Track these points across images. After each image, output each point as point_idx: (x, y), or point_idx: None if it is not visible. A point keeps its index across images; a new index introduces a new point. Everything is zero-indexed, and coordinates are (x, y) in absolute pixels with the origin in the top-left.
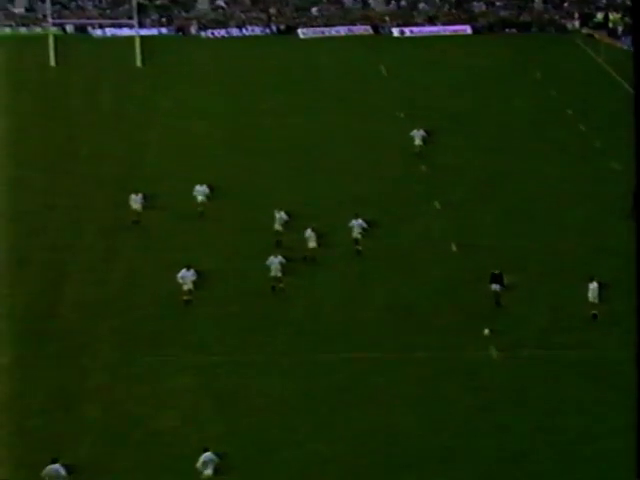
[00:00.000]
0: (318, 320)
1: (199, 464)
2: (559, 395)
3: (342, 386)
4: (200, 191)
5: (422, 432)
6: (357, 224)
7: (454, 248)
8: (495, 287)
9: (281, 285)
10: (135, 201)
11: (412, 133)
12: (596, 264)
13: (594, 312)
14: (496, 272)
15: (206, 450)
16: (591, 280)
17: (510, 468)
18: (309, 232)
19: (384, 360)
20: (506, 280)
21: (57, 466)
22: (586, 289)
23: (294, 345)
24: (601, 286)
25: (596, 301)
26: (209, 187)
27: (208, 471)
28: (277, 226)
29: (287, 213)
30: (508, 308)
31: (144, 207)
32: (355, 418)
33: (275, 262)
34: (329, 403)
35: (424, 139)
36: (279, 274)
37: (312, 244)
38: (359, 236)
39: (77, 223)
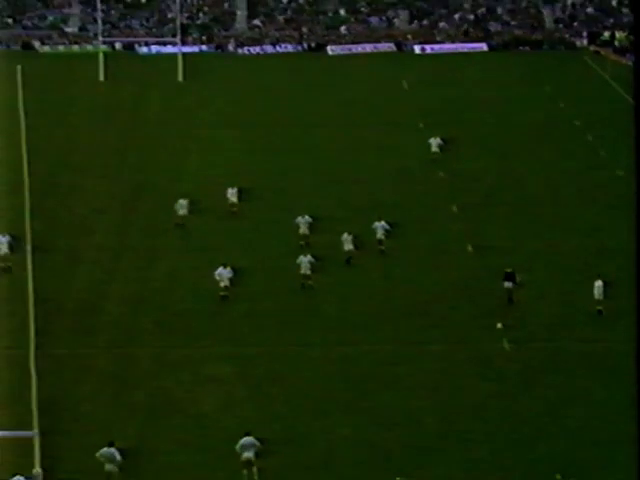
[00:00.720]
0: (344, 314)
1: (238, 447)
2: (566, 384)
3: (367, 375)
4: (232, 193)
5: (440, 417)
6: (380, 226)
7: (470, 248)
8: (508, 284)
9: (310, 282)
10: (182, 206)
11: (429, 141)
12: (601, 263)
13: (599, 308)
14: (509, 271)
15: (247, 434)
16: (597, 278)
17: (522, 451)
18: (345, 235)
19: (405, 351)
20: (518, 278)
21: (113, 450)
22: (592, 287)
23: (322, 337)
24: (606, 284)
25: (601, 298)
26: (239, 190)
27: (248, 454)
28: (303, 230)
29: (311, 216)
30: (520, 304)
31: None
32: (379, 404)
33: (305, 261)
34: (355, 390)
35: (440, 146)
36: (308, 272)
37: (349, 246)
38: (383, 237)
39: (124, 225)
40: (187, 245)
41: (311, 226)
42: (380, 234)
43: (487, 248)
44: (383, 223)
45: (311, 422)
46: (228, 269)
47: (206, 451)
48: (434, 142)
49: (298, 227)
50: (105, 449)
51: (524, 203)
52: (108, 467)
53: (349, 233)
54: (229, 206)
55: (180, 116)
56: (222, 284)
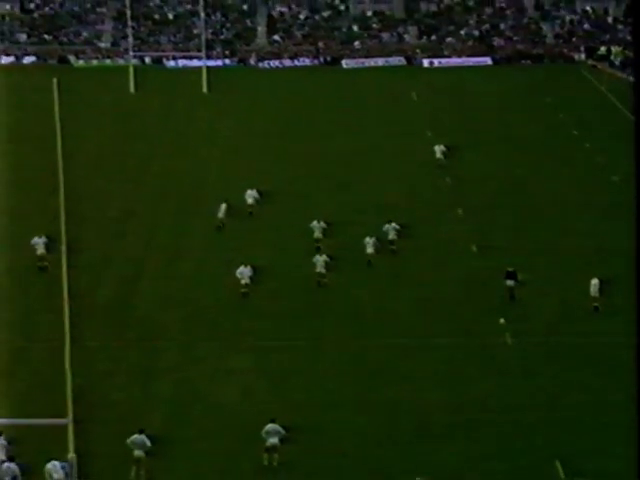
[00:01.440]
0: (357, 311)
1: (264, 433)
2: (565, 375)
3: (378, 367)
4: (250, 194)
5: (447, 407)
6: (391, 228)
7: (474, 249)
8: (509, 282)
9: (325, 280)
10: (221, 211)
11: (434, 148)
12: (597, 263)
13: (595, 305)
14: (510, 269)
15: (273, 421)
16: (593, 277)
17: (524, 439)
18: (368, 239)
19: (414, 345)
20: (519, 276)
21: (143, 436)
22: (588, 284)
23: (336, 332)
24: (601, 282)
25: (597, 295)
26: (258, 192)
27: (273, 440)
28: (317, 234)
29: (325, 221)
30: (521, 301)
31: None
32: (389, 395)
33: (320, 260)
34: (367, 382)
35: (444, 153)
36: (323, 270)
37: (370, 250)
38: (395, 237)
39: (152, 227)
40: (210, 245)
41: (325, 230)
42: (392, 235)
43: (490, 248)
44: (394, 224)
45: (325, 412)
46: (248, 268)
47: (228, 438)
48: (438, 149)
49: (313, 231)
50: (135, 436)
51: (525, 206)
52: (137, 453)
53: (371, 237)
54: (247, 207)
55: (204, 125)
56: (243, 282)
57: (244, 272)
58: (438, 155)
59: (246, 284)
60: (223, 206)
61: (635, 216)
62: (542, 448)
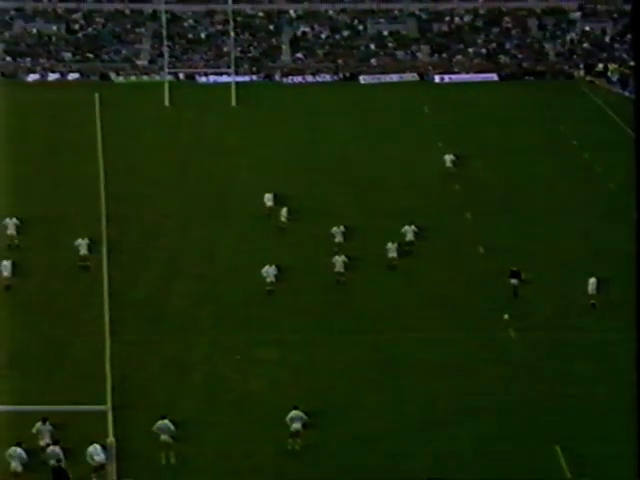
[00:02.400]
0: (373, 306)
1: (288, 419)
2: (564, 367)
3: (392, 359)
4: (268, 198)
5: (454, 395)
6: (410, 229)
7: (481, 250)
8: (514, 281)
9: (343, 279)
10: (283, 215)
11: (444, 157)
12: (594, 263)
13: (593, 302)
14: (514, 269)
15: (295, 408)
16: (590, 276)
17: (526, 425)
18: (390, 244)
19: (425, 338)
20: (523, 276)
21: (166, 422)
22: (586, 283)
23: (354, 326)
24: (598, 281)
25: (594, 293)
26: (274, 195)
27: (296, 425)
28: (338, 239)
29: (344, 226)
30: (524, 298)
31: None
32: (402, 383)
33: (339, 260)
34: (381, 372)
35: (453, 162)
36: (342, 270)
37: (392, 254)
38: (412, 239)
39: (185, 229)
40: (239, 246)
41: (344, 234)
42: (410, 236)
43: (496, 249)
44: (413, 227)
45: (344, 399)
46: (273, 267)
47: (254, 423)
48: (448, 158)
49: (334, 236)
50: (160, 422)
51: (528, 211)
52: (164, 437)
53: (393, 242)
54: (267, 209)
55: (233, 135)
56: (268, 280)
57: (269, 271)
58: (448, 164)
59: (271, 282)
60: (284, 211)
61: (635, 217)
62: (542, 433)
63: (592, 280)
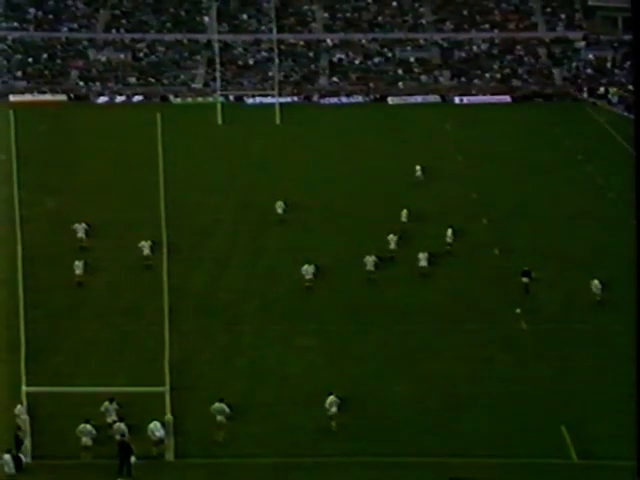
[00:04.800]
0: (400, 301)
1: (327, 404)
2: (571, 356)
3: (416, 348)
4: (279, 205)
5: (471, 381)
6: (450, 232)
7: (496, 252)
8: (525, 279)
9: (374, 277)
10: (391, 240)
11: (415, 167)
12: (597, 264)
13: (598, 299)
14: (526, 269)
15: (331, 394)
16: (593, 278)
17: (535, 408)
18: (421, 254)
19: (445, 329)
20: (533, 274)
21: (223, 404)
22: (590, 281)
23: (383, 319)
24: (601, 281)
25: (598, 291)
26: (285, 203)
27: (333, 409)
28: (392, 245)
29: (399, 236)
30: (534, 294)
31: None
32: (423, 370)
33: (370, 260)
34: (407, 359)
35: (422, 171)
36: (372, 269)
37: (423, 263)
38: (451, 241)
39: (234, 232)
40: (283, 246)
41: (373, 235)
42: (449, 239)
43: (510, 251)
44: (450, 230)
45: (373, 384)
46: (312, 266)
47: (294, 404)
48: (418, 168)
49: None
50: (216, 404)
51: (538, 217)
52: (219, 418)
53: (423, 252)
54: (276, 216)
55: (277, 149)
56: (307, 277)
57: (308, 269)
58: (418, 173)
59: (310, 279)
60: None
61: (635, 218)
62: (550, 415)
63: (595, 282)
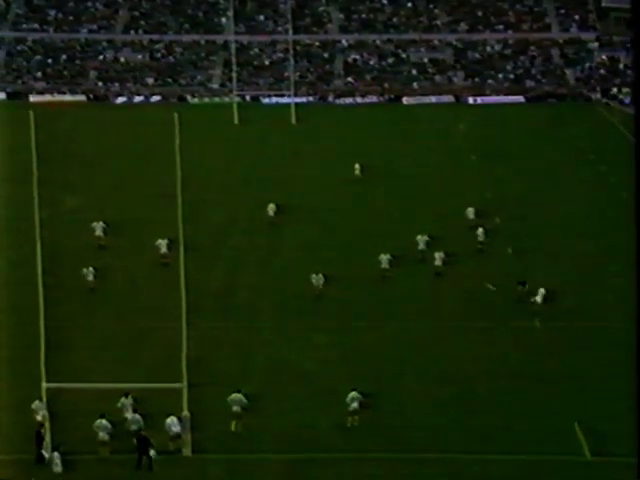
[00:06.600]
0: (414, 299)
1: (348, 399)
2: (583, 353)
3: (430, 344)
4: (271, 208)
5: (484, 378)
6: (481, 231)
7: (510, 250)
8: (520, 288)
9: (388, 274)
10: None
11: (355, 165)
12: (609, 262)
13: (611, 297)
14: (520, 280)
15: (354, 389)
16: (607, 274)
17: (547, 403)
18: (437, 254)
19: (462, 327)
20: (527, 285)
21: (240, 395)
22: (600, 279)
23: (397, 315)
24: (615, 278)
25: (612, 290)
26: (277, 206)
27: (355, 405)
28: (421, 246)
29: (430, 236)
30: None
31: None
32: (438, 367)
33: (384, 258)
34: (421, 356)
35: (360, 170)
36: (387, 266)
37: (439, 262)
38: (483, 239)
39: (251, 231)
40: (298, 244)
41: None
42: (481, 237)
43: (522, 250)
44: (481, 229)
45: (388, 380)
46: (320, 275)
47: (309, 399)
48: (357, 166)
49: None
50: (234, 394)
51: (551, 216)
52: (235, 409)
53: (439, 251)
54: (268, 218)
55: (293, 148)
56: (319, 287)
57: (319, 279)
58: (357, 172)
59: (321, 289)
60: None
61: (635, 217)
62: (563, 412)
63: (608, 280)
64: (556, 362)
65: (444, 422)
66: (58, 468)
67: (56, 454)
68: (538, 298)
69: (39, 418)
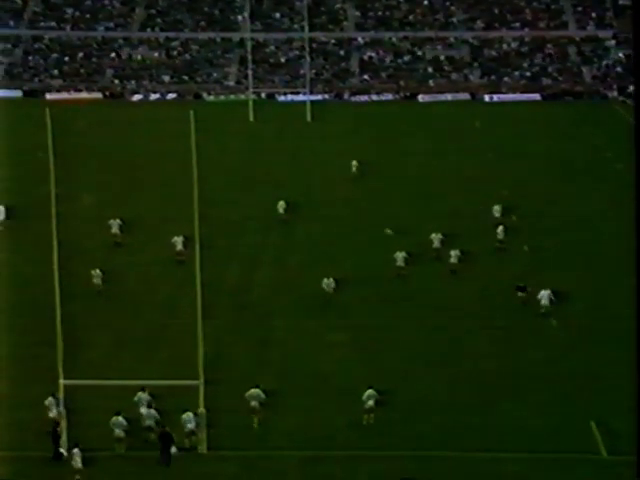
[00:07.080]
0: (429, 296)
1: (364, 397)
2: (599, 351)
3: (446, 342)
4: (281, 205)
5: (502, 375)
6: (501, 230)
7: (526, 248)
8: (521, 294)
9: (403, 272)
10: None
11: (351, 162)
12: (625, 261)
13: (628, 296)
14: (521, 285)
15: (370, 387)
16: (624, 272)
17: (564, 402)
18: (452, 252)
19: (478, 325)
20: (528, 289)
21: (258, 390)
22: (617, 278)
23: (413, 313)
24: (629, 278)
25: (629, 288)
26: (287, 203)
27: (371, 402)
28: (436, 244)
29: (444, 234)
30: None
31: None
32: (454, 365)
33: (400, 256)
34: (436, 354)
35: (357, 167)
36: (402, 264)
37: (454, 260)
38: (503, 238)
39: (265, 228)
40: (313, 241)
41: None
42: (501, 236)
43: (538, 248)
44: (501, 228)
45: (404, 378)
46: (331, 279)
47: (326, 397)
48: (353, 164)
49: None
50: (252, 390)
51: (566, 213)
52: (253, 404)
53: (453, 249)
54: (280, 216)
55: (308, 146)
56: (330, 291)
57: (330, 284)
58: (353, 169)
59: (330, 293)
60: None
61: (635, 217)
62: (580, 410)
63: (626, 278)
64: (572, 360)
65: (460, 420)
66: (78, 464)
67: (76, 450)
68: (544, 301)
69: (52, 415)
